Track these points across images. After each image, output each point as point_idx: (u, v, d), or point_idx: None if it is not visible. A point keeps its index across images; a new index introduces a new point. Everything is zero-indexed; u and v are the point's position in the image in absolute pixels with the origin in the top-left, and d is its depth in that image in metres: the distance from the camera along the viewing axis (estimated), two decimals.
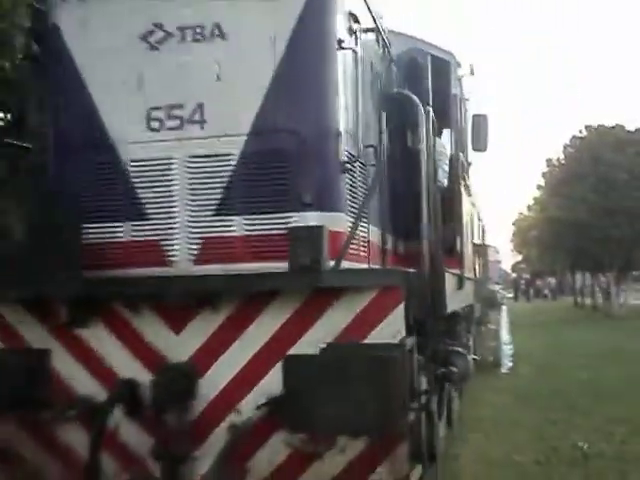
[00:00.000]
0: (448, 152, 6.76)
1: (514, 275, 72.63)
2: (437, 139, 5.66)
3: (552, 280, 63.79)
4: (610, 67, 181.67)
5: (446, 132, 6.95)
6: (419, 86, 5.53)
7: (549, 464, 6.66)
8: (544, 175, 35.57)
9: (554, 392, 10.78)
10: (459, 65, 6.93)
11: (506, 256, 63.08)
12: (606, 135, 32.71)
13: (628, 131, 33.14)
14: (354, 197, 4.34)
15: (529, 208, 39.90)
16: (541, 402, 9.97)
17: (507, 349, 17.32)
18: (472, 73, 7.16)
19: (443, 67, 6.38)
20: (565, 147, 34.26)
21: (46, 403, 4.01)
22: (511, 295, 60.50)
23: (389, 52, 5.66)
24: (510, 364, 14.73)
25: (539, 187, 37.10)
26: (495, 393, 10.93)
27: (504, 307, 37.33)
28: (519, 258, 61.62)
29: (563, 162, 34.21)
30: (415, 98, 4.97)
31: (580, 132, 34.02)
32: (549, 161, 35.06)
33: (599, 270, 34.79)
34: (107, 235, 4.20)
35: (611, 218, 29.34)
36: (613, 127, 33.58)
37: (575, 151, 33.53)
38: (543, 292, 62.22)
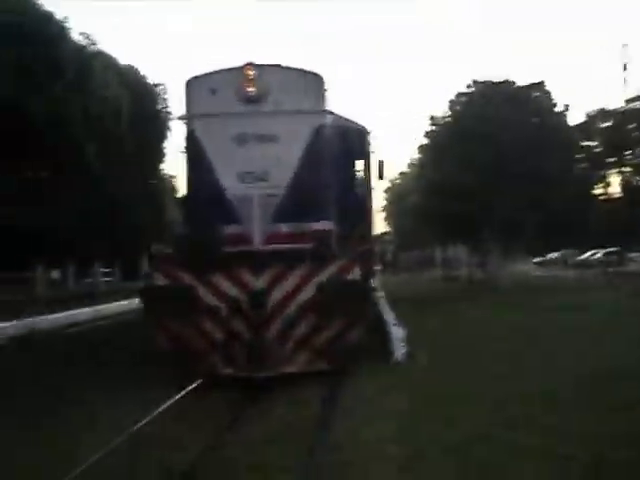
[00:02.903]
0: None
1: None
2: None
3: (417, 252, 77.70)
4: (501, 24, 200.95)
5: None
6: (350, 146, 14.70)
7: None
8: (427, 135, 43.83)
9: (472, 392, 10.96)
10: (369, 132, 16.78)
11: None
12: (494, 91, 40.95)
13: (518, 86, 41.69)
14: (335, 213, 13.30)
15: (402, 175, 46.32)
16: (460, 410, 9.87)
17: (396, 331, 17.50)
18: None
19: (361, 134, 16.07)
20: (451, 103, 42.79)
21: (194, 309, 12.49)
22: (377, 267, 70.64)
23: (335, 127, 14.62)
24: (404, 349, 15.07)
25: (421, 147, 46.27)
26: (392, 395, 11.08)
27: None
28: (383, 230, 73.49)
29: (449, 119, 42.34)
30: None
31: (468, 87, 42.54)
32: (433, 119, 43.03)
33: (478, 241, 43.06)
34: (224, 231, 12.79)
35: (497, 182, 36.60)
36: (502, 82, 41.87)
37: (460, 108, 41.97)
38: (408, 264, 75.91)
